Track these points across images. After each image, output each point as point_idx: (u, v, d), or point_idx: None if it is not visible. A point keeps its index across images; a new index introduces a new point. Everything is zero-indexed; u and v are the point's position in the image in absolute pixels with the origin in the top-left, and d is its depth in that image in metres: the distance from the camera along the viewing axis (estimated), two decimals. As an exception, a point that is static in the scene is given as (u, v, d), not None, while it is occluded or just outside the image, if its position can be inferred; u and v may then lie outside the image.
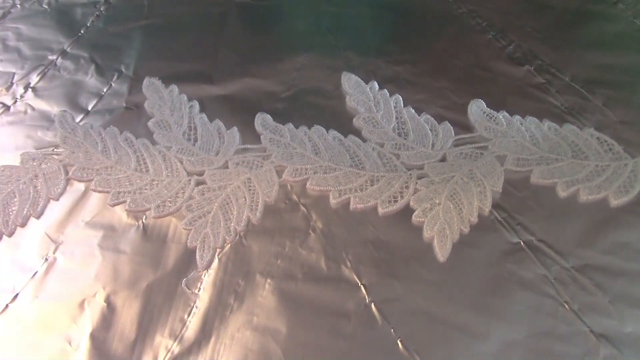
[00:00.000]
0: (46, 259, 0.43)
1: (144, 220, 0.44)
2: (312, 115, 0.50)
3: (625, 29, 0.57)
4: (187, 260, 0.42)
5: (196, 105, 0.51)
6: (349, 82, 0.52)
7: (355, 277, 0.40)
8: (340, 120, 0.50)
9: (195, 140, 0.49)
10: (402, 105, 0.50)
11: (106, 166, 0.47)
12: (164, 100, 0.52)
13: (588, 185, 0.44)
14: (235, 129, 0.49)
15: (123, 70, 0.56)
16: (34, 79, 0.56)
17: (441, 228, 0.42)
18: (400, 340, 0.37)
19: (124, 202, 0.45)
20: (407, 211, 0.43)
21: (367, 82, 0.52)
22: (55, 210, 0.46)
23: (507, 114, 0.49)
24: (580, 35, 0.57)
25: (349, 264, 0.41)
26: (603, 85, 0.52)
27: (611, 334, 0.37)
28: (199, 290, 0.40)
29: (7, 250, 0.44)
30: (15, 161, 0.48)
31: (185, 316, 0.39)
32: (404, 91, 0.52)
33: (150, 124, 0.50)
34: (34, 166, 0.48)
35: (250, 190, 0.45)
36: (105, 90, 0.54)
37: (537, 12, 0.60)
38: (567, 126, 0.48)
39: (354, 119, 0.50)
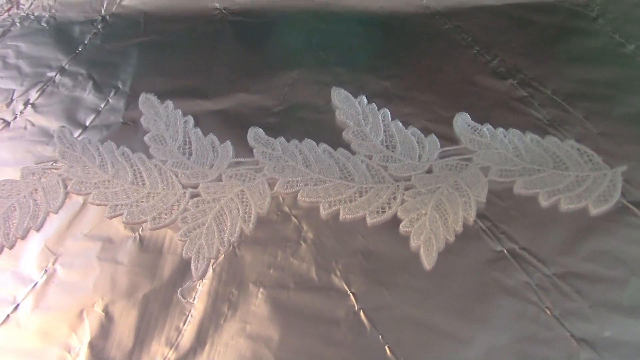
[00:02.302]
0: (46, 271, 0.44)
1: (140, 232, 0.45)
2: (303, 129, 0.51)
3: (606, 44, 0.58)
4: (182, 271, 0.43)
5: (191, 120, 0.53)
6: (339, 96, 0.54)
7: (344, 285, 0.41)
8: (330, 133, 0.51)
9: (190, 154, 0.50)
10: (390, 118, 0.52)
11: (104, 180, 0.49)
12: (160, 115, 0.53)
13: (569, 195, 0.45)
14: (228, 142, 0.50)
15: (120, 86, 0.57)
16: (34, 95, 0.57)
17: (427, 237, 0.43)
18: (388, 347, 0.39)
19: (121, 214, 0.46)
20: (395, 221, 0.45)
21: (356, 97, 0.54)
22: (55, 222, 0.47)
23: (491, 127, 0.50)
24: (562, 50, 0.58)
25: (338, 273, 0.42)
26: (584, 99, 0.53)
27: (591, 339, 0.38)
28: (194, 300, 0.42)
29: (8, 262, 0.45)
30: (16, 175, 0.49)
31: (181, 325, 0.40)
32: (391, 105, 0.53)
33: (146, 138, 0.51)
34: (34, 180, 0.49)
35: (243, 202, 0.46)
36: (102, 106, 0.55)
37: (520, 28, 0.61)
38: (548, 138, 0.49)
39: (343, 132, 0.51)
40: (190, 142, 0.51)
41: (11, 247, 0.46)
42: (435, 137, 0.50)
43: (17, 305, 0.42)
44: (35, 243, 0.46)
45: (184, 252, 0.44)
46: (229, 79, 0.57)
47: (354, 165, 0.48)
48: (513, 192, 0.46)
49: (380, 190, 0.46)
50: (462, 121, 0.51)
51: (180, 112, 0.53)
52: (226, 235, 0.44)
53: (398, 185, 0.47)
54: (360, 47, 0.61)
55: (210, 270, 0.43)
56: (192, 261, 0.43)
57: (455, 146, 0.49)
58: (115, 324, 0.41)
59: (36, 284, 0.43)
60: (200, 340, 0.40)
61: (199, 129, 0.52)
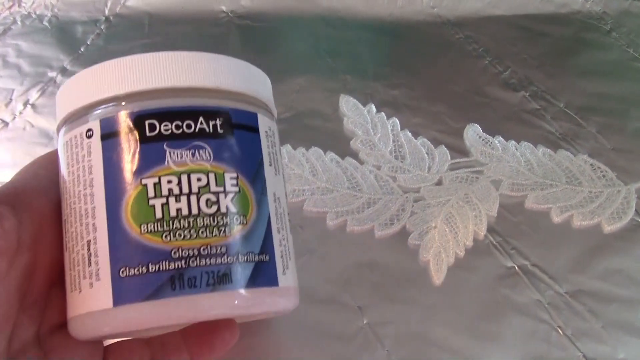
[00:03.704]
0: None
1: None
2: (310, 137, 0.50)
3: (619, 58, 0.58)
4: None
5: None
6: (347, 104, 0.53)
7: (351, 299, 0.40)
8: (337, 142, 0.50)
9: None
10: (399, 128, 0.51)
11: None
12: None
13: (582, 211, 0.45)
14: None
15: (122, 88, 0.56)
16: (34, 95, 0.56)
17: (437, 251, 0.42)
18: (395, 363, 0.38)
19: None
20: (403, 234, 0.44)
21: (364, 105, 0.53)
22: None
23: (503, 139, 0.50)
24: (575, 63, 0.58)
25: (344, 286, 0.41)
26: (597, 113, 0.52)
27: (604, 360, 0.37)
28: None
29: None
30: (13, 177, 0.48)
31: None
32: (401, 115, 0.52)
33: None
34: (32, 183, 0.48)
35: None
36: (104, 108, 0.54)
37: (532, 40, 0.60)
38: (561, 152, 0.49)
39: (351, 141, 0.50)
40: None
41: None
42: (445, 148, 0.49)
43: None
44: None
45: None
46: (234, 83, 0.56)
47: (362, 175, 0.47)
48: (525, 206, 0.45)
49: (388, 202, 0.45)
50: (473, 133, 0.50)
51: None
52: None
53: (407, 197, 0.46)
54: (369, 54, 0.60)
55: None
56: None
57: (466, 158, 0.49)
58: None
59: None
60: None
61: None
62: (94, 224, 0.24)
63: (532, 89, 0.55)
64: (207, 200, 0.24)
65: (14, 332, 0.24)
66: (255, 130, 0.26)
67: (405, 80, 0.56)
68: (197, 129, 0.24)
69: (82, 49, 0.62)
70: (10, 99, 0.56)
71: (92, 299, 0.23)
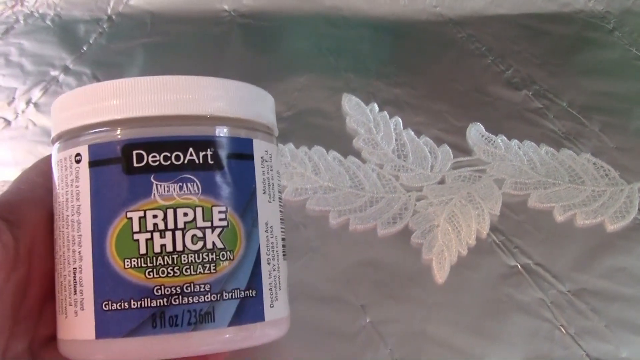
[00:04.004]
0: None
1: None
2: (312, 136, 0.50)
3: (622, 57, 0.58)
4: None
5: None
6: (350, 103, 0.53)
7: (353, 298, 0.40)
8: (340, 140, 0.50)
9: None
10: (402, 127, 0.51)
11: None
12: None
13: (585, 210, 0.45)
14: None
15: (125, 87, 0.56)
16: (36, 94, 0.56)
17: (439, 250, 0.42)
18: (397, 362, 0.38)
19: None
20: (406, 233, 0.44)
21: (367, 104, 0.53)
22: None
23: (505, 138, 0.50)
24: (577, 61, 0.58)
25: (347, 284, 0.41)
26: (600, 112, 0.52)
27: (607, 359, 0.37)
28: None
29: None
30: (16, 176, 0.48)
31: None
32: (403, 113, 0.52)
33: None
34: (35, 181, 0.48)
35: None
36: (107, 106, 0.54)
37: (535, 39, 0.60)
38: (564, 151, 0.49)
39: (353, 140, 0.50)
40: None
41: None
42: (448, 147, 0.49)
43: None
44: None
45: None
46: (236, 82, 0.56)
47: (365, 174, 0.47)
48: (527, 205, 0.45)
49: (391, 200, 0.45)
50: (475, 132, 0.50)
51: (187, 115, 0.52)
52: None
53: (410, 196, 0.46)
54: (372, 53, 0.60)
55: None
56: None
57: (469, 157, 0.49)
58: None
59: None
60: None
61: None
62: (79, 252, 0.24)
63: (535, 88, 0.55)
64: (193, 236, 0.23)
65: (7, 345, 0.24)
66: (250, 157, 0.25)
67: (407, 79, 0.56)
68: (186, 161, 0.23)
69: (84, 48, 0.62)
70: (13, 98, 0.56)
71: (77, 328, 0.23)
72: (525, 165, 0.48)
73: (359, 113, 0.52)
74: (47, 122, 0.53)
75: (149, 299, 0.23)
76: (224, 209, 0.24)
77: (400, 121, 0.51)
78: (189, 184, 0.23)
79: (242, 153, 0.25)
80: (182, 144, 0.23)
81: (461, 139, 0.50)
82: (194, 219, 0.23)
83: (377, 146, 0.49)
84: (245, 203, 0.25)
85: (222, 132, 0.24)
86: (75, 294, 0.24)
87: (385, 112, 0.52)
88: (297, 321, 0.39)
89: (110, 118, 0.23)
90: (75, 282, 0.23)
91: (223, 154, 0.24)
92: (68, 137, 0.25)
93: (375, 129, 0.51)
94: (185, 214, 0.23)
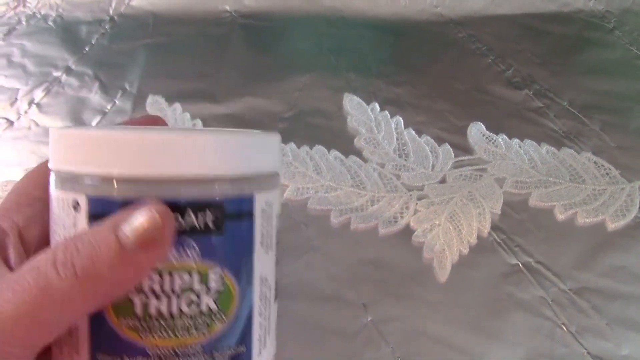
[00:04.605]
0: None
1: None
2: (313, 135, 0.51)
3: (622, 56, 0.58)
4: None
5: (199, 123, 0.52)
6: (351, 103, 0.53)
7: (355, 296, 0.40)
8: (341, 140, 0.50)
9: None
10: (403, 126, 0.51)
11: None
12: (167, 118, 0.53)
13: (585, 208, 0.45)
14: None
15: (127, 87, 0.56)
16: (39, 95, 0.56)
17: (441, 249, 0.42)
18: (399, 360, 0.38)
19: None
20: (407, 232, 0.44)
21: (368, 104, 0.53)
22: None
23: (506, 137, 0.50)
24: (578, 61, 0.58)
25: (348, 283, 0.41)
26: (600, 111, 0.52)
27: (608, 357, 0.37)
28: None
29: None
30: (19, 176, 0.48)
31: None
32: (404, 113, 0.52)
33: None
34: (37, 181, 0.48)
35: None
36: (109, 107, 0.55)
37: (535, 38, 0.60)
38: (564, 150, 0.49)
39: (355, 140, 0.50)
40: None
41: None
42: (449, 146, 0.49)
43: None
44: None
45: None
46: (238, 82, 0.56)
47: (366, 173, 0.47)
48: (528, 204, 0.45)
49: (392, 200, 0.45)
50: (476, 131, 0.50)
51: (189, 116, 0.53)
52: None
53: (411, 195, 0.46)
54: (372, 53, 0.60)
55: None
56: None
57: (470, 156, 0.49)
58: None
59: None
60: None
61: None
62: None
63: (536, 87, 0.55)
64: (189, 300, 0.23)
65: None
66: (250, 215, 0.24)
67: (408, 78, 0.56)
68: (185, 224, 0.22)
69: (86, 49, 0.62)
70: (16, 99, 0.56)
71: None
72: (526, 164, 0.48)
73: (360, 112, 0.52)
74: (50, 122, 0.53)
75: (142, 357, 0.23)
76: (220, 271, 0.23)
77: (402, 120, 0.51)
78: (187, 249, 0.22)
79: (243, 212, 0.24)
80: (181, 206, 0.22)
81: (462, 138, 0.50)
82: (191, 283, 0.23)
83: (379, 145, 0.49)
84: (242, 262, 0.24)
85: (223, 192, 0.23)
86: (71, 338, 0.23)
87: (387, 112, 0.52)
88: (298, 320, 0.40)
89: (110, 172, 0.22)
90: (72, 329, 0.23)
91: (223, 215, 0.23)
92: (66, 177, 0.23)
93: (377, 128, 0.51)
94: (182, 278, 0.23)
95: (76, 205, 0.23)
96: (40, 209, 0.26)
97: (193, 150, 0.22)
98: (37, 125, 0.53)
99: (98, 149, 0.22)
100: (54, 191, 0.24)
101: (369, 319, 0.39)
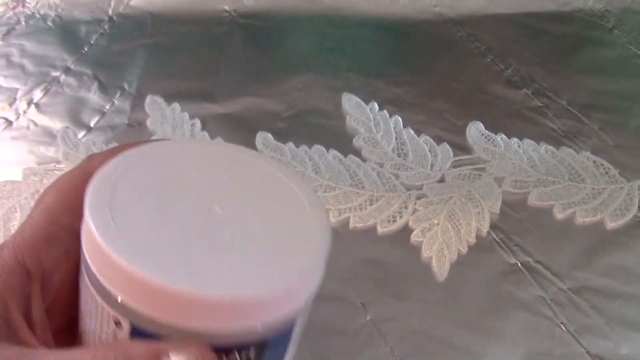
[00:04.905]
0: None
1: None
2: (312, 135, 0.51)
3: (621, 55, 0.58)
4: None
5: (198, 123, 0.52)
6: (350, 102, 0.53)
7: (354, 296, 0.40)
8: (340, 140, 0.50)
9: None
10: (402, 126, 0.51)
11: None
12: (166, 118, 0.53)
13: (584, 207, 0.45)
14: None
15: (126, 87, 0.56)
16: (37, 95, 0.56)
17: (439, 248, 0.42)
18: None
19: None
20: (406, 231, 0.44)
21: (367, 103, 0.53)
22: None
23: (505, 137, 0.50)
24: (577, 60, 0.58)
25: (347, 282, 0.41)
26: (599, 110, 0.52)
27: (607, 356, 0.37)
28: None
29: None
30: (17, 176, 0.48)
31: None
32: (403, 112, 0.52)
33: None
34: (36, 181, 0.48)
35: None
36: (107, 107, 0.55)
37: (535, 37, 0.60)
38: (563, 149, 0.49)
39: (354, 139, 0.50)
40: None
41: (11, 249, 0.44)
42: (448, 145, 0.49)
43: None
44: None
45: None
46: (237, 82, 0.56)
47: (365, 173, 0.47)
48: (527, 203, 0.45)
49: (391, 199, 0.45)
50: (475, 130, 0.50)
51: (187, 115, 0.53)
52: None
53: (410, 194, 0.46)
54: (372, 52, 0.60)
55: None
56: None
57: (469, 155, 0.49)
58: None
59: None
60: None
61: (205, 132, 0.51)
62: None
63: (535, 87, 0.55)
64: None
65: None
66: (289, 337, 0.23)
67: (407, 78, 0.56)
68: None
69: (85, 49, 0.62)
70: (14, 99, 0.56)
71: None
72: (525, 163, 0.48)
73: (359, 112, 0.52)
74: (49, 122, 0.53)
75: None
76: None
77: (400, 120, 0.52)
78: None
79: (283, 341, 0.23)
80: (228, 348, 0.21)
81: (461, 137, 0.50)
82: None
83: (377, 145, 0.49)
84: None
85: (266, 329, 0.22)
86: None
87: (385, 111, 0.52)
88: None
89: (161, 318, 0.21)
90: None
91: (264, 347, 0.22)
92: (106, 292, 0.21)
93: (375, 127, 0.51)
94: None
95: (118, 324, 0.21)
96: (69, 247, 0.22)
97: (243, 307, 0.21)
98: (36, 125, 0.53)
99: (153, 299, 0.21)
100: (88, 284, 0.22)
101: (367, 318, 0.39)
